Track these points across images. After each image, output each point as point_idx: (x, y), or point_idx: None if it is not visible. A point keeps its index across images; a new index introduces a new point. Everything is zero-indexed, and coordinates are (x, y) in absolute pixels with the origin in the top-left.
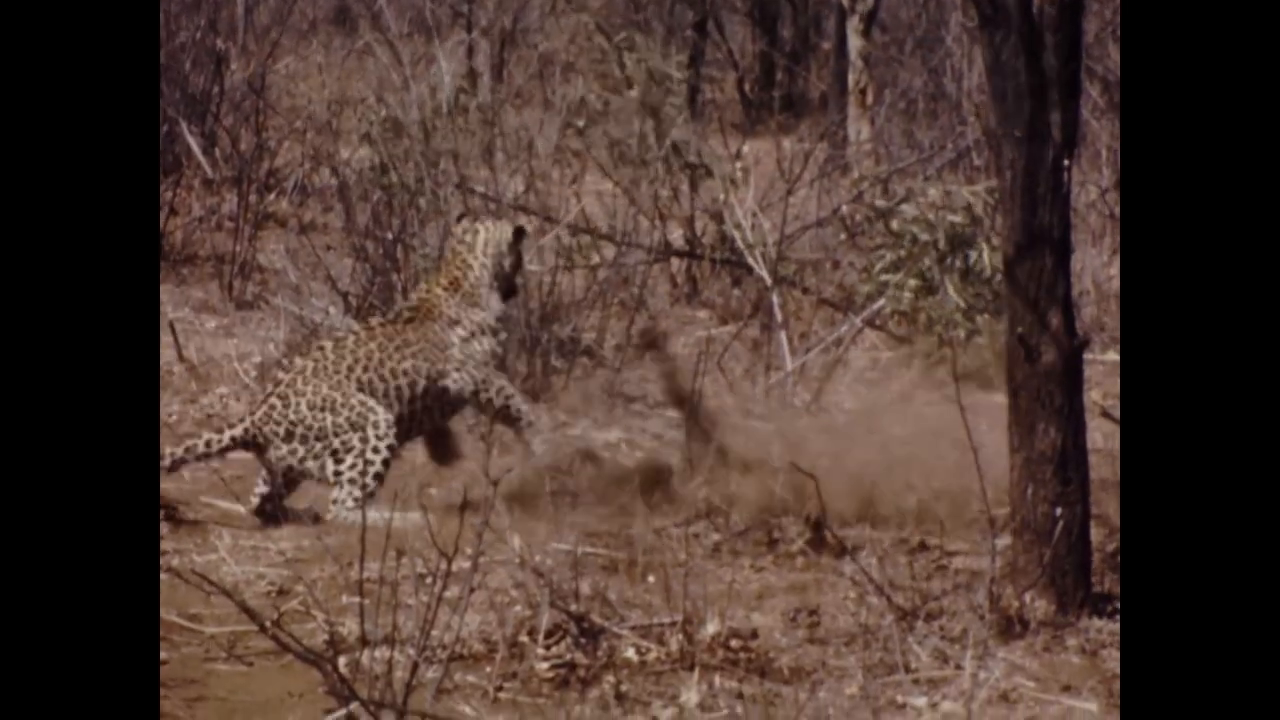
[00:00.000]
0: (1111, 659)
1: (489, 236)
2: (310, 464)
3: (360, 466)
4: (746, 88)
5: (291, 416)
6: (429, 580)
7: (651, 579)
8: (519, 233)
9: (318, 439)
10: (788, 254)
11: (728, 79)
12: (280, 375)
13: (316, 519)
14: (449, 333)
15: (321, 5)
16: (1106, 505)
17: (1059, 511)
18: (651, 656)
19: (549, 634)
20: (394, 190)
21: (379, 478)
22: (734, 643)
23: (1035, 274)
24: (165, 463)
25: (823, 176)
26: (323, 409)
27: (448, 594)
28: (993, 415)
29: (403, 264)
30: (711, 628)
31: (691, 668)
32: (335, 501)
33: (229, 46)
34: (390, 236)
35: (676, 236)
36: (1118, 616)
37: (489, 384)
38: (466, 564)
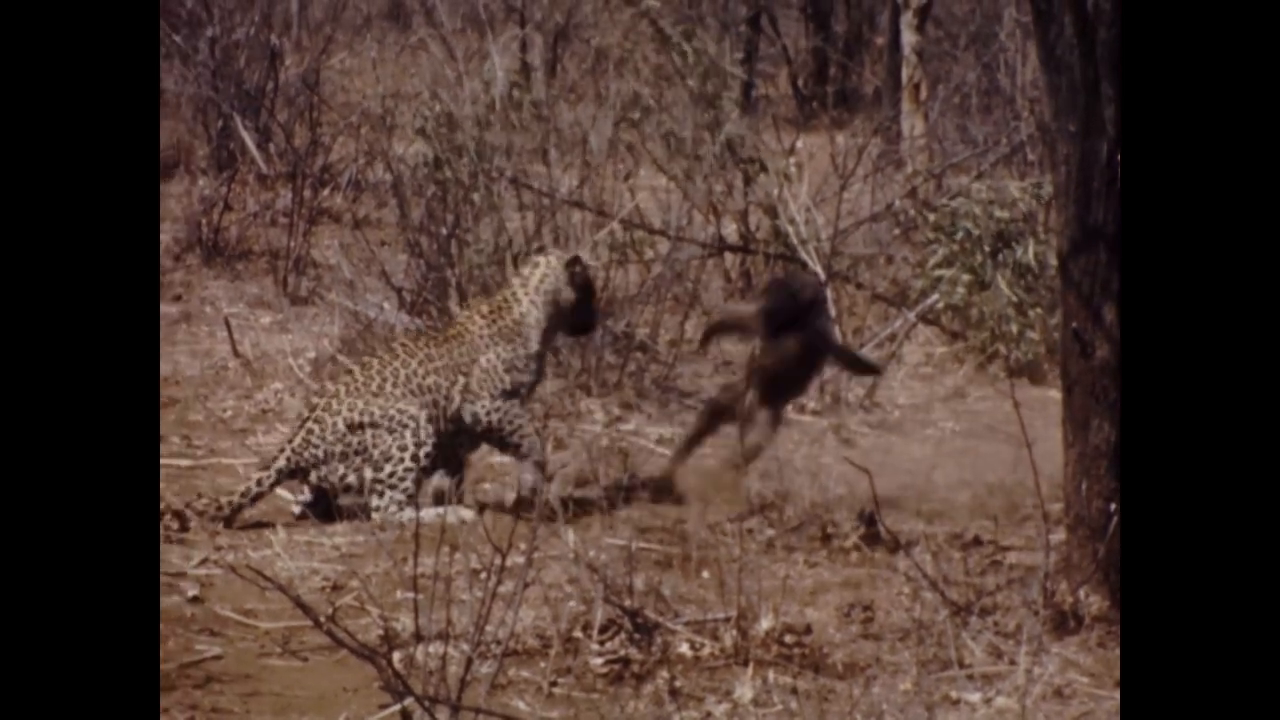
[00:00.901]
0: None
1: (545, 273)
2: (352, 478)
3: (399, 473)
4: (800, 83)
5: (329, 437)
6: (483, 575)
7: (706, 574)
8: (572, 264)
9: (357, 453)
10: (841, 249)
11: (781, 74)
12: (314, 400)
13: (369, 514)
14: (475, 357)
15: (375, 1)
16: None
17: (1113, 507)
18: (705, 652)
19: (603, 629)
20: (448, 186)
21: (419, 481)
22: (788, 638)
23: (1089, 269)
24: (224, 512)
25: (876, 172)
26: (360, 426)
27: (502, 589)
28: (1046, 411)
29: (457, 259)
30: (765, 623)
31: (745, 663)
32: (376, 509)
33: (283, 42)
34: (444, 232)
35: (730, 232)
36: None
37: (500, 413)
38: (521, 559)
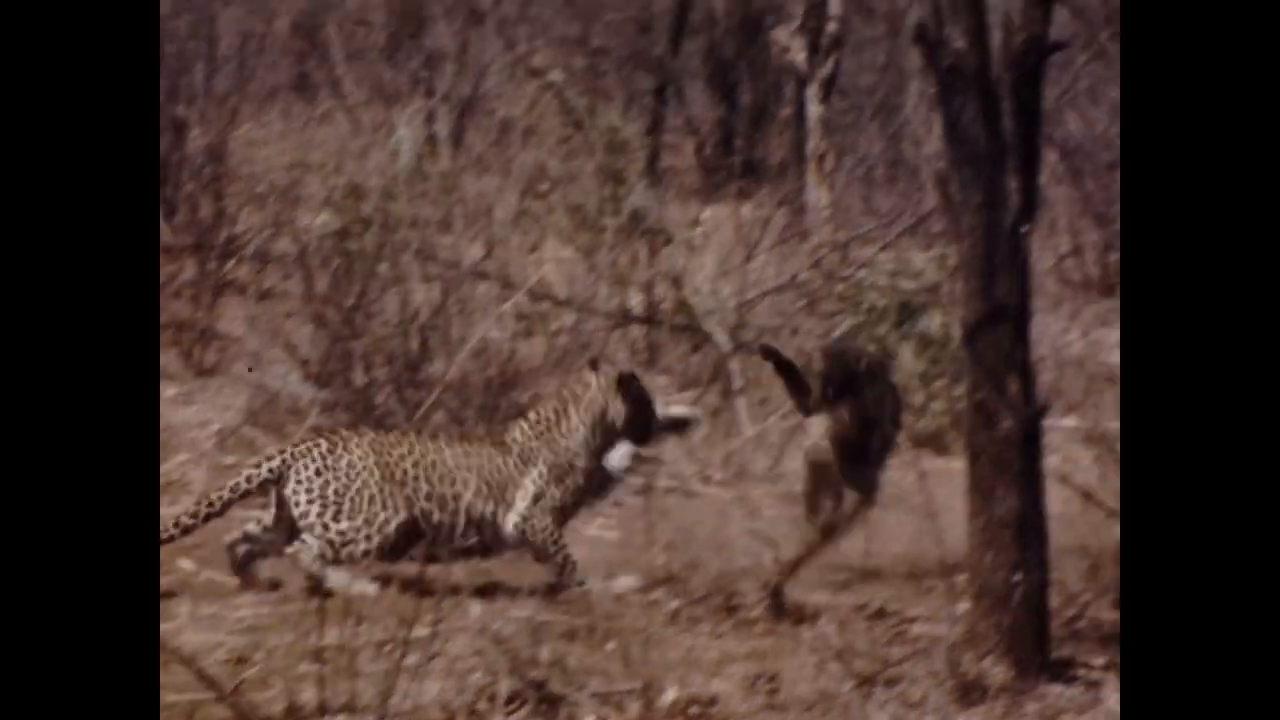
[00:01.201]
0: None
1: (595, 394)
2: (312, 510)
3: (352, 538)
4: (706, 153)
5: (330, 461)
6: (388, 648)
7: (611, 645)
8: (625, 381)
9: (335, 494)
10: (747, 320)
11: (687, 145)
12: (343, 431)
13: (275, 586)
14: (521, 471)
15: (281, 72)
16: (1065, 571)
17: (1018, 577)
18: None
19: (509, 701)
20: (354, 256)
21: (354, 557)
22: (693, 709)
23: (994, 341)
24: (212, 507)
25: (782, 242)
26: (359, 473)
27: (407, 661)
28: (951, 481)
29: (362, 330)
30: (671, 694)
31: None
32: (305, 544)
33: (189, 113)
34: (350, 303)
35: (636, 303)
36: (1076, 682)
37: (537, 530)
38: (426, 631)
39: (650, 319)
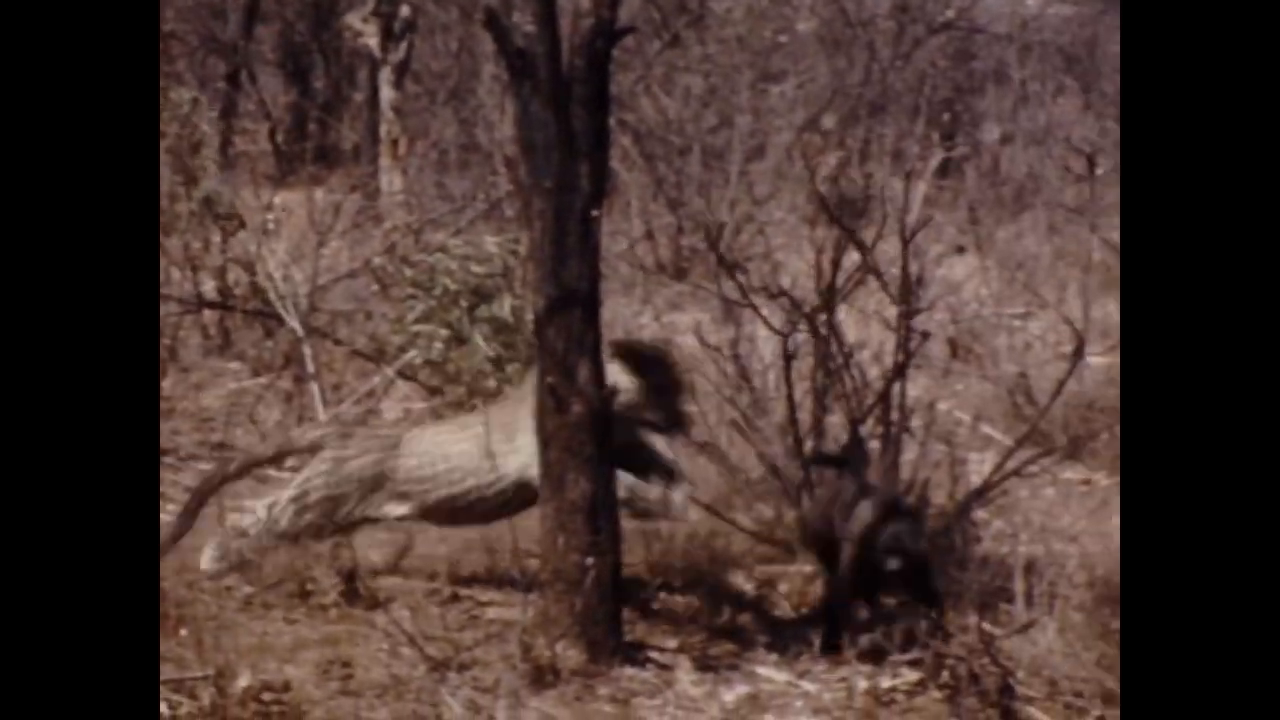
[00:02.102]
0: (644, 707)
1: None
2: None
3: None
4: (279, 139)
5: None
6: None
7: (184, 632)
8: (618, 350)
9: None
10: (320, 305)
11: (260, 130)
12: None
13: None
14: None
15: None
16: (634, 554)
17: (590, 561)
18: (184, 711)
19: None
20: None
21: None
22: (266, 696)
23: (564, 326)
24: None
25: (355, 227)
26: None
27: None
28: None
29: None
30: (243, 681)
31: None
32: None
33: None
34: None
35: (209, 288)
36: (649, 665)
37: None
38: None
39: (223, 304)
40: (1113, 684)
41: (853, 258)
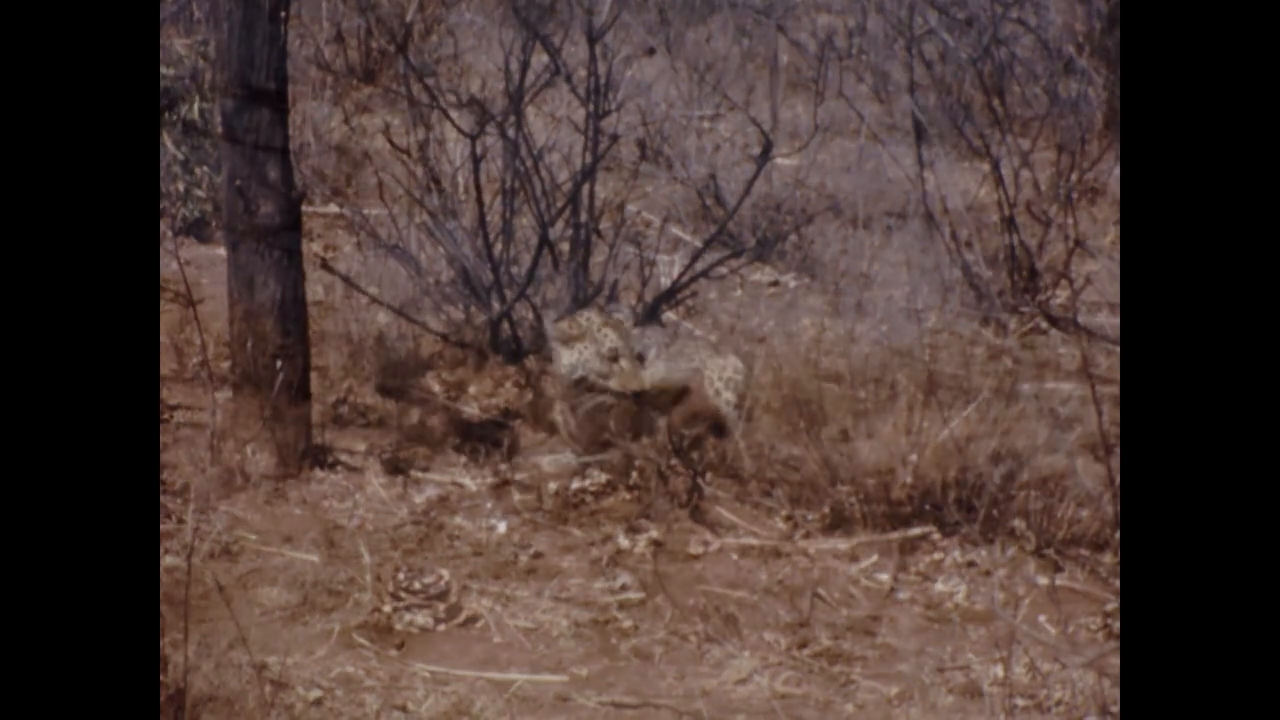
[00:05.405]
0: (334, 510)
1: (574, 360)
2: None
3: None
4: None
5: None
6: None
7: None
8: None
9: None
10: None
11: None
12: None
13: None
14: None
15: None
16: (327, 358)
17: (279, 364)
18: None
19: None
20: None
21: None
22: None
23: (253, 128)
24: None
25: None
26: None
27: None
28: (214, 269)
29: None
30: None
31: None
32: None
33: None
34: None
35: None
36: (339, 468)
37: None
38: None
39: None
40: (798, 477)
41: (541, 59)
